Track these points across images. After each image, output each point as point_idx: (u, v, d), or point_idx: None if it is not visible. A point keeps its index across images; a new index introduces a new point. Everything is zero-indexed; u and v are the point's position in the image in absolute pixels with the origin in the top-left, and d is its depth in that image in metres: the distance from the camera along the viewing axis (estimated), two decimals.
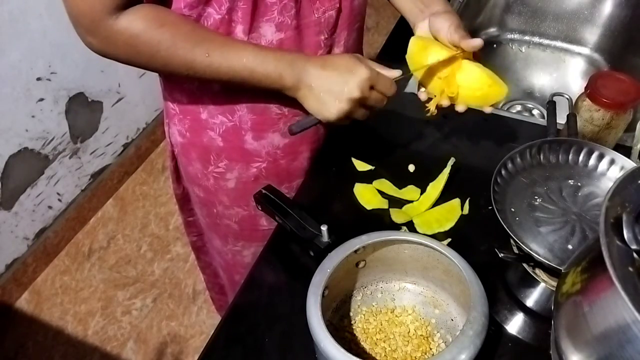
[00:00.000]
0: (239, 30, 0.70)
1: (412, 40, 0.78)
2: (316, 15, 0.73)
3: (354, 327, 0.67)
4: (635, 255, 0.40)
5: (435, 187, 0.82)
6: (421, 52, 0.76)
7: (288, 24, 0.71)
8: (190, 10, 0.68)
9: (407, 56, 0.77)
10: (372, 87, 0.70)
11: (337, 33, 0.77)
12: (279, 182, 0.89)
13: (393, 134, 0.93)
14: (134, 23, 0.63)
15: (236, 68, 0.68)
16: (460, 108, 0.77)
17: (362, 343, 0.66)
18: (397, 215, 0.80)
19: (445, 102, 0.76)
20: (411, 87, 1.00)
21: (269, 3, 0.68)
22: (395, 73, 0.73)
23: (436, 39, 0.77)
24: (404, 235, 0.67)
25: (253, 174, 0.88)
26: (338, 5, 0.74)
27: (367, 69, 0.69)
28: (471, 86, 0.76)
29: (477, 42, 0.72)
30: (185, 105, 0.82)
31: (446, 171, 0.82)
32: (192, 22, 0.68)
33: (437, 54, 0.75)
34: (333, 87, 0.69)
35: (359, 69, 0.69)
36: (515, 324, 0.68)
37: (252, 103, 0.79)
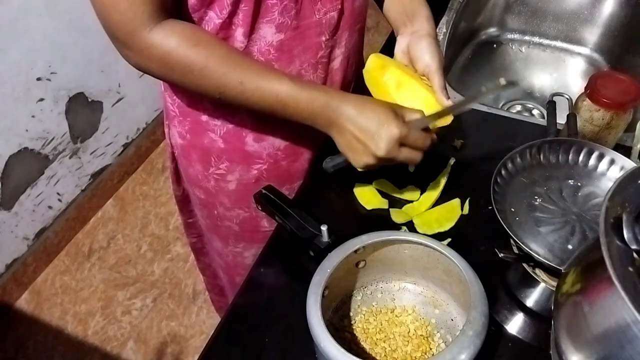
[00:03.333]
0: (239, 33, 0.70)
1: (370, 57, 0.78)
2: (317, 17, 0.73)
3: (354, 327, 0.67)
4: (635, 255, 0.40)
5: (435, 187, 0.82)
6: (378, 71, 0.77)
7: (288, 25, 0.71)
8: (193, 13, 0.68)
9: (364, 70, 0.78)
10: (402, 144, 0.67)
11: (338, 34, 0.77)
12: (280, 184, 0.89)
13: None
14: (168, 39, 0.63)
15: (268, 100, 0.67)
16: None
17: (362, 343, 0.66)
18: (397, 215, 0.80)
19: None
20: None
21: (270, 4, 0.68)
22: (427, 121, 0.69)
23: (413, 64, 0.78)
24: (404, 235, 0.67)
25: (254, 175, 0.88)
26: (340, 7, 0.74)
27: (397, 128, 0.65)
28: (426, 104, 0.75)
29: (447, 103, 0.73)
30: (185, 107, 0.82)
31: (446, 171, 0.82)
32: (228, 45, 0.67)
33: (393, 74, 0.77)
34: (364, 138, 0.66)
35: (389, 127, 0.65)
36: (515, 324, 0.68)
37: None
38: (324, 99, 0.67)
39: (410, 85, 0.76)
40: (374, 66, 0.78)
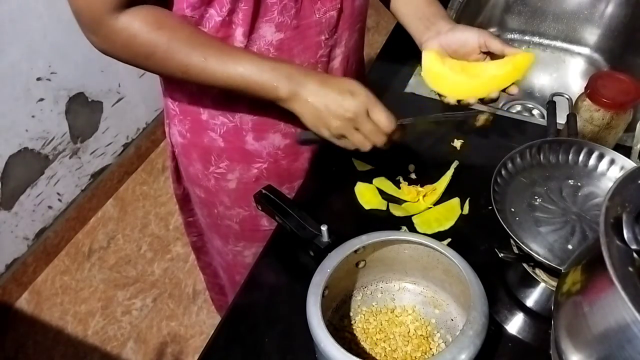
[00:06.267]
0: (239, 33, 0.70)
1: (424, 54, 0.77)
2: (317, 16, 0.73)
3: (354, 327, 0.67)
4: (635, 255, 0.40)
5: (437, 188, 0.82)
6: (438, 62, 0.76)
7: (288, 24, 0.71)
8: (193, 11, 0.68)
9: (423, 72, 0.76)
10: (368, 115, 0.69)
11: (338, 34, 0.77)
12: (280, 183, 0.89)
13: None
14: (132, 24, 0.64)
15: (232, 76, 0.67)
16: (513, 90, 0.76)
17: (362, 343, 0.66)
18: (396, 209, 0.80)
19: (472, 100, 0.76)
20: (411, 87, 1.00)
21: (269, 3, 0.68)
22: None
23: (455, 53, 0.77)
24: (404, 235, 0.67)
25: (254, 174, 0.88)
26: (339, 6, 0.74)
27: (366, 93, 0.68)
28: (498, 68, 0.75)
29: (517, 51, 0.74)
30: (185, 106, 0.82)
31: (449, 173, 0.82)
32: (192, 27, 0.68)
33: (453, 62, 0.76)
34: (330, 104, 0.68)
35: (358, 91, 0.68)
36: (515, 324, 0.68)
37: (253, 104, 0.79)
38: (287, 70, 0.68)
39: (474, 66, 0.76)
40: (432, 61, 0.76)
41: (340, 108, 0.68)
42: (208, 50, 0.66)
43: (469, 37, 0.76)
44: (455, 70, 0.76)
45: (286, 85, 0.68)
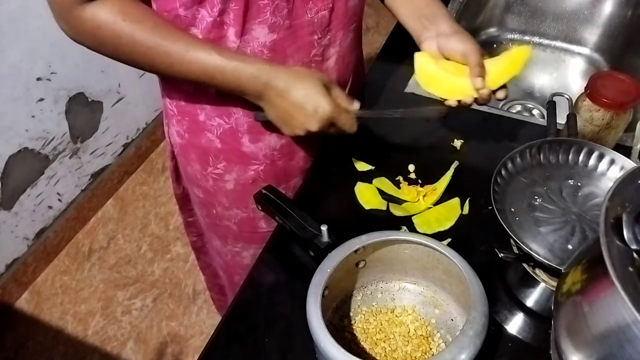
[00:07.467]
0: (231, 33, 0.70)
1: (416, 56, 0.77)
2: (309, 15, 0.73)
3: (354, 327, 0.67)
4: (635, 255, 0.40)
5: (437, 189, 0.82)
6: (431, 64, 0.76)
7: (280, 25, 0.71)
8: (185, 10, 0.68)
9: (416, 75, 0.77)
10: (332, 124, 0.72)
11: (332, 33, 0.77)
12: (277, 184, 0.88)
13: (393, 134, 0.93)
14: (98, 14, 0.64)
15: (196, 72, 0.68)
16: (500, 94, 0.75)
17: (362, 343, 0.66)
18: (396, 209, 0.80)
19: (469, 100, 0.75)
20: (411, 87, 1.00)
21: (262, 4, 0.68)
22: (355, 105, 0.73)
23: (451, 58, 0.76)
24: (404, 235, 0.67)
25: (251, 176, 0.88)
26: (331, 5, 0.74)
27: (329, 107, 0.69)
28: (493, 65, 0.74)
29: (479, 84, 0.72)
30: (183, 107, 0.82)
31: (449, 173, 0.82)
32: (157, 19, 0.67)
33: (446, 63, 0.75)
34: (297, 114, 0.70)
35: (320, 107, 0.69)
36: (515, 324, 0.68)
37: (248, 106, 0.79)
38: (250, 71, 0.68)
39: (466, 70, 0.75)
40: (425, 63, 0.76)
41: (304, 124, 0.71)
42: (172, 46, 0.66)
43: (457, 50, 0.74)
44: (449, 70, 0.75)
45: (251, 86, 0.69)
